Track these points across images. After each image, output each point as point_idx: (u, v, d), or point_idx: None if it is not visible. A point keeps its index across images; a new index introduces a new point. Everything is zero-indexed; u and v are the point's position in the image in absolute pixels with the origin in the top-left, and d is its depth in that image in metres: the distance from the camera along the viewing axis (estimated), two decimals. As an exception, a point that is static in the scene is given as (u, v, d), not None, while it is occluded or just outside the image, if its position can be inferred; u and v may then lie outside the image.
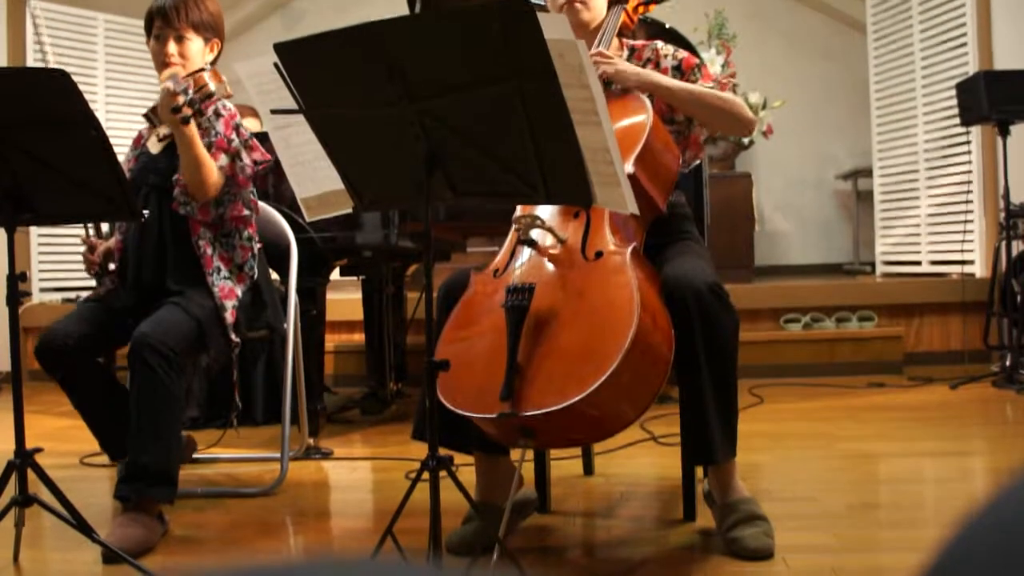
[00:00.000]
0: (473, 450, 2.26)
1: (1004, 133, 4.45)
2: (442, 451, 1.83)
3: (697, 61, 2.43)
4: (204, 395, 3.98)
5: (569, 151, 1.65)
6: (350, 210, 2.01)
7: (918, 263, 5.70)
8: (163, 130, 2.59)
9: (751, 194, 6.30)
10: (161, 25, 2.65)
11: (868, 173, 6.35)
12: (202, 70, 2.63)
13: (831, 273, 6.92)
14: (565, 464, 2.89)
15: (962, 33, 5.36)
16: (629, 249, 1.99)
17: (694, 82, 2.38)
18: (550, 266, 2.06)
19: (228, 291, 2.61)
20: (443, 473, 1.80)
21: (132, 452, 2.35)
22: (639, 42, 2.51)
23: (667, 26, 3.67)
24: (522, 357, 1.87)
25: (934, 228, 5.60)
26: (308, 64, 1.76)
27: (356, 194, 1.94)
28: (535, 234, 2.11)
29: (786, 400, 4.16)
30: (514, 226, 2.15)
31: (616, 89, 2.32)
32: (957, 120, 4.93)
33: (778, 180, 7.27)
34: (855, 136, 6.99)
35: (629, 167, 2.10)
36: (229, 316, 2.58)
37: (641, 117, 2.21)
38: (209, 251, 2.60)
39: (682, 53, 2.44)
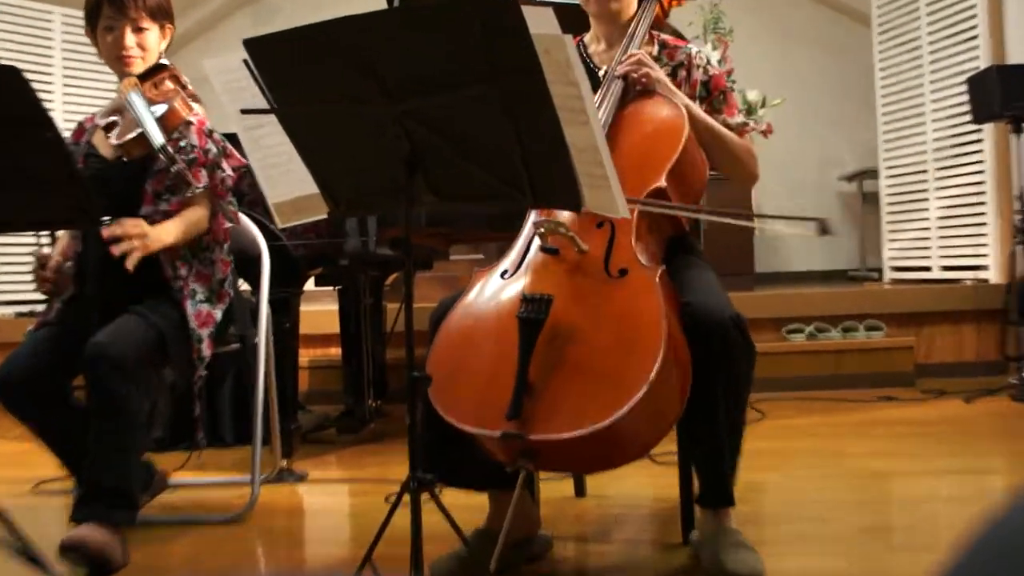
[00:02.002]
0: (485, 487, 2.25)
1: (1018, 130, 4.48)
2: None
3: (726, 85, 2.45)
4: (170, 415, 3.96)
5: (556, 151, 1.65)
6: (325, 215, 2.01)
7: (928, 269, 5.72)
8: (114, 138, 2.53)
9: (750, 197, 6.32)
10: (113, 14, 2.56)
11: (874, 174, 6.39)
12: (163, 68, 2.58)
13: (836, 280, 6.95)
14: (555, 484, 2.89)
15: (973, 25, 5.40)
16: (659, 271, 1.97)
17: (718, 109, 2.41)
18: (569, 278, 2.03)
19: (206, 316, 2.57)
20: (425, 496, 1.80)
21: (90, 471, 2.32)
22: (668, 37, 2.51)
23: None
24: (534, 374, 1.86)
25: (945, 232, 5.63)
26: (280, 61, 1.76)
27: (331, 198, 1.94)
28: (555, 241, 2.08)
29: (789, 415, 4.17)
30: (535, 229, 2.11)
31: (643, 90, 2.31)
32: (968, 117, 4.97)
33: (778, 182, 7.29)
34: (860, 135, 7.03)
35: (662, 180, 2.10)
36: (206, 348, 2.55)
37: (678, 124, 2.20)
38: (184, 272, 2.56)
39: (714, 69, 2.46)
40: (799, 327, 5.06)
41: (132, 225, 2.38)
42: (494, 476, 2.06)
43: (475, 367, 1.97)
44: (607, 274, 2.00)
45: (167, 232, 2.45)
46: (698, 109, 2.33)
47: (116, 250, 2.34)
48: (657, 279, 1.95)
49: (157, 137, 2.37)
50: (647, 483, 3.06)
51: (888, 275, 6.04)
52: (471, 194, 1.84)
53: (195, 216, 2.55)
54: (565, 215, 2.12)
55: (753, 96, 6.36)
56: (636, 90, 2.31)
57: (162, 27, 2.64)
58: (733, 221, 2.10)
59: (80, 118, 2.83)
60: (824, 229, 1.98)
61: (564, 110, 1.62)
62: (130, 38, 2.57)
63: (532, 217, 2.22)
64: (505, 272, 2.13)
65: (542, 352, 1.88)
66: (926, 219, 5.75)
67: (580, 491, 2.88)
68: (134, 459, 2.38)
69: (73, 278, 2.61)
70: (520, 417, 1.81)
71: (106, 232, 2.35)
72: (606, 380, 1.83)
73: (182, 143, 2.55)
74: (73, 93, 5.99)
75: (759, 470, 3.07)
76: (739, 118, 2.45)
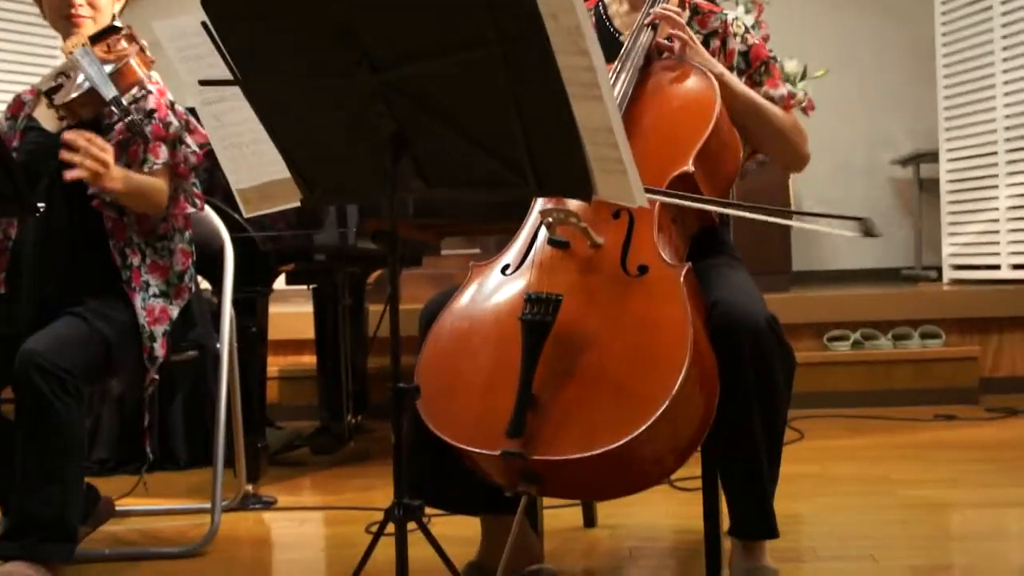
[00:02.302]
0: (478, 512, 2.26)
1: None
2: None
3: (769, 55, 2.45)
4: (116, 432, 3.97)
5: (564, 132, 1.66)
6: (298, 204, 2.01)
7: (996, 267, 5.71)
8: (57, 100, 2.55)
9: (787, 184, 6.31)
10: None
11: (933, 157, 6.37)
12: (116, 31, 2.60)
13: (887, 280, 6.94)
14: (561, 513, 2.90)
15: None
16: (684, 270, 1.97)
17: (759, 83, 2.41)
18: (580, 275, 2.03)
19: (159, 313, 2.58)
20: (412, 525, 1.81)
21: (18, 498, 2.32)
22: (703, 2, 2.51)
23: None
24: (538, 386, 1.86)
25: (1017, 224, 5.61)
26: (244, 24, 1.76)
27: (305, 184, 1.95)
28: (565, 233, 2.08)
29: (833, 435, 4.17)
30: (541, 219, 2.11)
31: (672, 58, 2.31)
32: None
33: (821, 166, 7.25)
34: (916, 112, 7.02)
35: (689, 163, 2.10)
36: (159, 348, 2.56)
37: (708, 99, 2.20)
38: (135, 261, 2.57)
39: (753, 38, 2.47)
40: (843, 334, 5.07)
41: (99, 146, 2.38)
42: (490, 500, 2.07)
43: (471, 376, 1.97)
44: (624, 272, 2.00)
45: (123, 180, 2.44)
46: (735, 79, 2.33)
47: (66, 157, 2.34)
48: (682, 278, 1.95)
49: (107, 90, 2.37)
50: (666, 512, 3.07)
51: (948, 274, 6.03)
52: (465, 180, 1.85)
53: (154, 184, 2.55)
54: (576, 204, 2.11)
55: (792, 67, 6.35)
56: (661, 58, 2.31)
57: None
58: (761, 217, 2.10)
59: (6, 86, 2.85)
60: (868, 231, 1.98)
61: (573, 84, 1.62)
62: None
63: (539, 205, 2.22)
64: (507, 267, 2.13)
65: (548, 360, 1.88)
66: (995, 209, 5.73)
67: (590, 521, 2.89)
68: (72, 484, 2.37)
69: (4, 267, 2.62)
70: (522, 434, 1.82)
71: (67, 135, 2.35)
72: (621, 394, 1.83)
73: (142, 94, 2.55)
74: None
75: (797, 498, 3.08)
76: (783, 89, 2.44)
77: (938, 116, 6.13)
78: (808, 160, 2.42)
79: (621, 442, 1.76)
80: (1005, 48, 5.65)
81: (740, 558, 2.21)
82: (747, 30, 2.48)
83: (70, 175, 2.35)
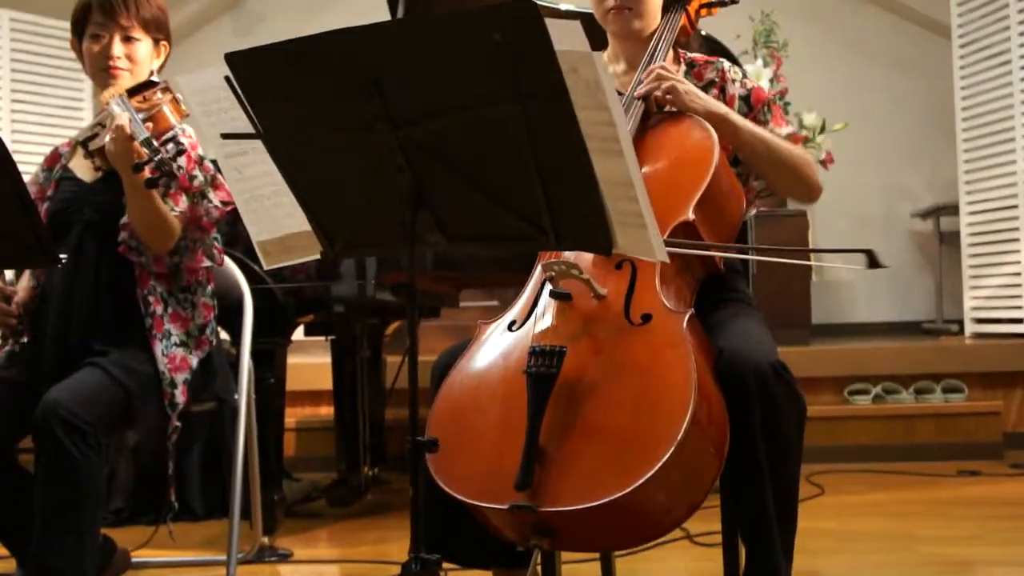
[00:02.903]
0: (491, 567, 2.26)
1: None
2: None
3: (769, 97, 2.48)
4: (132, 482, 3.97)
5: (584, 186, 1.67)
6: (318, 256, 2.03)
7: (1020, 321, 5.69)
8: (95, 145, 2.60)
9: (807, 236, 6.33)
10: (103, 21, 2.66)
11: (954, 210, 6.37)
12: (153, 85, 2.64)
13: (907, 333, 6.92)
14: (579, 569, 2.88)
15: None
16: (686, 316, 1.98)
17: (763, 123, 2.44)
18: (584, 327, 2.04)
19: (180, 361, 2.60)
20: (430, 580, 1.80)
21: (36, 553, 2.32)
22: (697, 55, 2.55)
23: (703, 33, 3.72)
24: (545, 438, 1.86)
25: (1038, 278, 5.61)
26: (267, 78, 1.79)
27: (325, 237, 1.96)
28: (567, 285, 2.09)
29: (853, 491, 4.15)
30: (543, 273, 2.13)
31: (671, 112, 2.34)
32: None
33: (840, 219, 7.28)
34: (936, 165, 7.03)
35: (689, 212, 2.11)
36: (180, 395, 2.57)
37: (706, 148, 2.22)
38: (159, 310, 2.60)
39: (752, 82, 2.51)
40: (864, 388, 5.05)
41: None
42: (503, 554, 2.07)
43: (479, 432, 1.98)
44: (628, 321, 2.02)
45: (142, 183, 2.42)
46: (739, 117, 2.35)
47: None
48: (685, 324, 1.96)
49: (139, 131, 2.41)
50: (686, 568, 3.05)
51: (970, 328, 6.01)
52: (484, 234, 1.85)
53: (169, 216, 2.56)
54: (578, 255, 2.14)
55: (811, 120, 6.38)
56: (659, 111, 2.34)
57: (156, 42, 2.73)
58: (766, 259, 2.11)
59: (29, 136, 2.90)
60: (873, 261, 1.99)
61: (593, 138, 1.63)
62: (118, 48, 2.66)
63: (542, 260, 2.24)
64: (513, 323, 2.15)
65: (555, 412, 1.89)
66: (1017, 262, 5.72)
67: (608, 575, 2.87)
68: (88, 536, 2.38)
69: (31, 313, 2.65)
70: (530, 487, 1.82)
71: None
72: (627, 443, 1.83)
73: (172, 135, 2.58)
74: (22, 109, 6.06)
75: (816, 555, 3.05)
76: (788, 128, 2.48)
77: (958, 168, 6.14)
78: (821, 191, 2.43)
79: (627, 490, 1.76)
80: (1025, 102, 5.67)
81: None
82: (745, 75, 2.52)
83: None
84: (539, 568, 2.22)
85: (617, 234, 1.72)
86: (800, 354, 5.14)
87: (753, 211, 2.57)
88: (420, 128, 1.72)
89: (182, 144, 2.49)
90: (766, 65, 6.27)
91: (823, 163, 6.41)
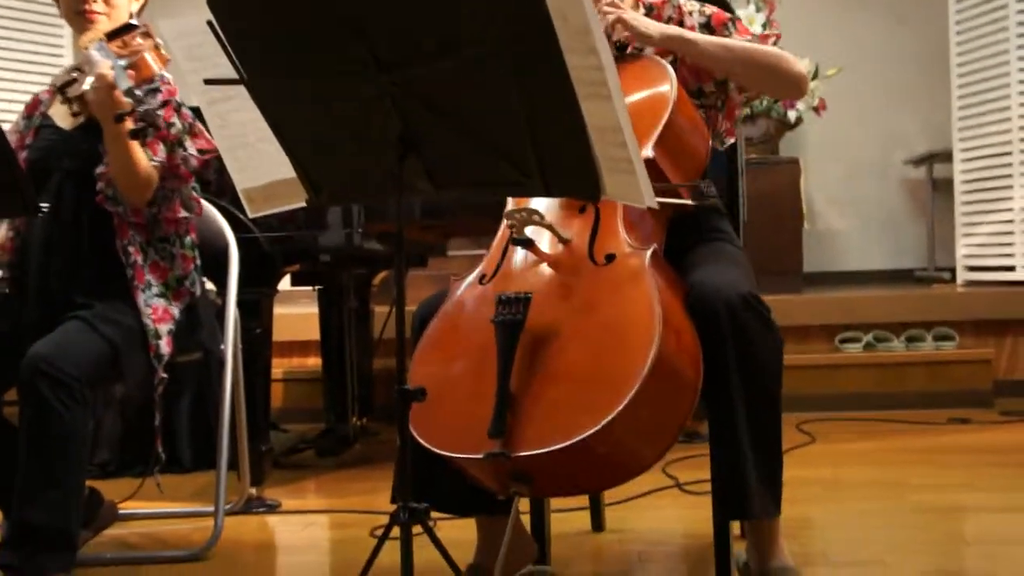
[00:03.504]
0: (472, 513, 2.28)
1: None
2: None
3: (729, 16, 2.48)
4: (118, 434, 3.98)
5: (572, 132, 1.67)
6: (303, 204, 2.02)
7: (1011, 268, 5.70)
8: (71, 92, 2.58)
9: (799, 184, 6.32)
10: None
11: (947, 157, 6.37)
12: (132, 28, 2.61)
13: (899, 281, 6.93)
14: (569, 517, 2.90)
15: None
16: (648, 252, 2.01)
17: (728, 38, 2.42)
18: (550, 272, 2.08)
19: (162, 312, 2.60)
20: (418, 529, 1.81)
21: (19, 507, 2.33)
22: None
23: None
24: (516, 384, 1.89)
25: (1032, 225, 5.62)
26: (251, 22, 1.77)
27: (311, 185, 1.95)
28: (531, 232, 2.13)
29: (844, 439, 4.17)
30: (506, 222, 2.17)
31: (630, 52, 2.35)
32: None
33: (833, 167, 7.28)
34: (930, 111, 7.01)
35: (648, 151, 2.13)
36: (164, 345, 2.57)
37: (662, 87, 2.24)
38: (139, 260, 2.60)
39: (710, 8, 2.50)
40: (855, 336, 5.06)
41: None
42: (484, 502, 2.10)
43: (454, 385, 2.01)
44: (592, 262, 2.05)
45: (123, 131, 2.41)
46: (695, 33, 2.37)
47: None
48: (647, 260, 1.98)
49: (121, 81, 2.39)
50: (676, 516, 3.07)
51: (962, 276, 6.03)
52: (472, 181, 1.86)
53: (147, 164, 2.54)
54: (540, 202, 2.17)
55: (804, 66, 6.35)
56: (619, 54, 2.35)
57: None
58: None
59: (9, 84, 2.87)
60: (700, 194, 2.08)
61: (582, 83, 1.63)
62: None
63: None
64: (483, 277, 2.18)
65: (524, 358, 1.92)
66: (1009, 209, 5.72)
67: (597, 525, 2.89)
68: (73, 492, 2.38)
69: (12, 259, 2.64)
70: (503, 434, 1.84)
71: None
72: (598, 379, 1.86)
73: (155, 86, 2.56)
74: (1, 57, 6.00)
75: (807, 503, 3.08)
76: (750, 37, 2.46)
77: (952, 115, 6.12)
78: (805, 79, 2.41)
79: (597, 427, 1.78)
80: (1021, 46, 5.64)
81: (754, 561, 2.22)
82: (703, 4, 2.52)
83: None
84: (520, 516, 2.25)
85: (605, 180, 1.72)
86: (792, 302, 5.15)
87: (731, 140, 2.56)
88: (407, 73, 1.72)
89: (159, 101, 2.48)
90: (759, 10, 6.24)
91: (816, 109, 6.40)
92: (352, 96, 1.78)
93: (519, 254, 2.15)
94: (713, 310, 2.02)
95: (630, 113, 2.15)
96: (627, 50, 2.39)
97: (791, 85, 2.40)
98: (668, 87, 2.23)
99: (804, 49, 6.45)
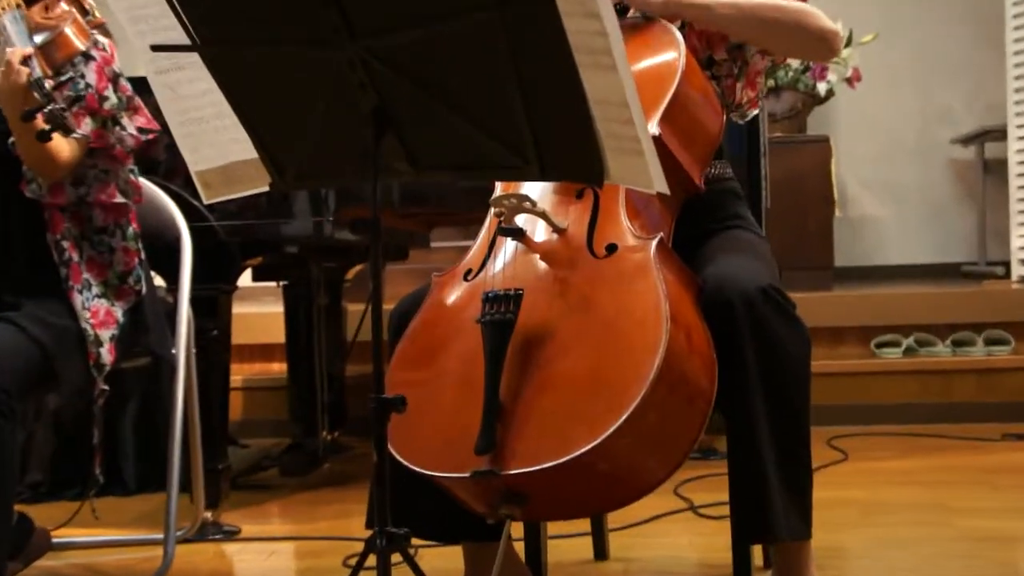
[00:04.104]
0: (458, 540, 2.29)
1: None
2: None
3: None
4: (52, 451, 3.97)
5: (571, 106, 1.67)
6: (266, 189, 2.02)
7: (1073, 262, 5.72)
8: None
9: (829, 166, 6.33)
10: None
11: (1001, 135, 6.37)
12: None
13: (945, 277, 6.95)
14: (568, 544, 2.91)
15: None
16: (654, 241, 2.00)
17: None
18: (544, 265, 2.08)
19: (104, 315, 2.59)
20: (397, 558, 1.81)
21: None
22: None
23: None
24: (505, 393, 1.89)
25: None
26: (205, -19, 1.77)
27: (275, 166, 1.95)
28: (522, 221, 2.12)
29: (881, 456, 4.18)
30: (493, 210, 2.17)
31: (633, 18, 2.34)
32: None
33: (868, 146, 7.28)
34: (981, 83, 7.02)
35: (653, 127, 2.12)
36: (106, 353, 2.57)
37: (669, 55, 2.23)
38: (75, 256, 2.59)
39: None
40: (895, 339, 5.07)
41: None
42: (471, 527, 2.10)
43: (436, 395, 2.01)
44: (591, 254, 2.04)
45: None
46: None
47: None
48: (653, 251, 1.98)
49: (33, 67, 2.37)
50: (688, 543, 3.08)
51: (1018, 271, 6.03)
52: (457, 162, 1.85)
53: (63, 147, 2.51)
54: (533, 186, 2.17)
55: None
56: (620, 19, 2.34)
57: None
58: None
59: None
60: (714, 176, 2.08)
61: (582, 51, 1.63)
62: None
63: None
64: (468, 272, 2.18)
65: (515, 363, 1.92)
66: (1071, 195, 5.74)
67: (600, 553, 2.90)
68: (2, 516, 2.37)
69: None
70: (492, 450, 1.84)
71: None
72: (596, 389, 1.86)
73: (68, 76, 2.53)
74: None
75: (839, 528, 3.08)
76: None
77: (1007, 87, 6.12)
78: (836, 36, 2.37)
79: (599, 440, 1.77)
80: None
81: None
82: None
83: None
84: (512, 543, 2.25)
85: (609, 161, 1.73)
86: (821, 301, 5.16)
87: (754, 111, 2.56)
88: (385, 39, 1.71)
89: (81, 90, 2.47)
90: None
91: (849, 81, 6.40)
92: (321, 65, 1.78)
93: (508, 246, 2.14)
94: (728, 304, 2.02)
95: (636, 84, 2.16)
96: (627, 14, 2.38)
97: (820, 43, 2.37)
98: (675, 55, 2.22)
99: (835, 13, 6.42)
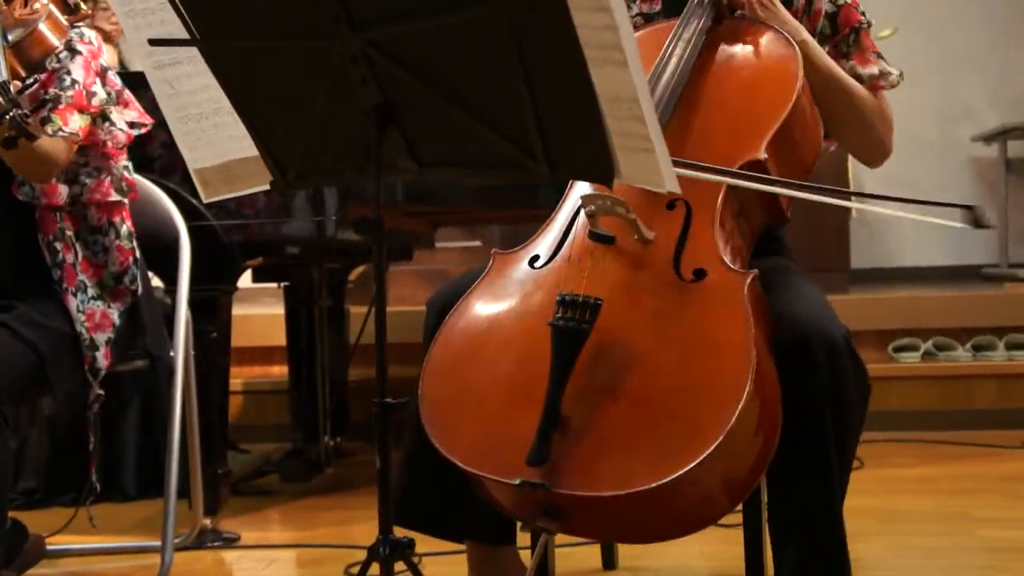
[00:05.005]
0: (464, 537, 2.28)
1: None
2: (403, 532, 1.84)
3: (858, 21, 2.44)
4: (46, 456, 3.98)
5: (580, 102, 1.66)
6: (267, 187, 2.02)
7: (1099, 265, 5.71)
8: None
9: (845, 165, 6.31)
10: None
11: (1023, 132, 6.36)
12: None
13: (965, 280, 6.93)
14: (576, 553, 2.90)
15: None
16: (749, 279, 1.95)
17: (845, 54, 2.41)
18: (624, 276, 2.02)
19: (100, 318, 2.59)
20: (401, 566, 1.81)
21: None
22: None
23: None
24: (568, 406, 1.85)
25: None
26: (205, -27, 1.78)
27: (276, 164, 1.95)
28: (609, 225, 2.05)
29: (900, 463, 4.18)
30: (582, 205, 2.07)
31: (740, 17, 2.30)
32: None
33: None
34: (1003, 79, 7.01)
35: (761, 151, 2.08)
36: (102, 357, 2.57)
37: (789, 69, 2.18)
38: (69, 258, 2.58)
39: None
40: (913, 343, 5.06)
41: None
42: (491, 527, 2.09)
43: (487, 388, 1.97)
44: (678, 275, 1.99)
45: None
46: (819, 49, 2.31)
47: None
48: (746, 288, 1.94)
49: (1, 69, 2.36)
50: (700, 553, 3.07)
51: (1039, 273, 6.04)
52: (463, 160, 1.86)
53: (50, 147, 2.49)
54: (625, 189, 2.04)
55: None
56: (731, 16, 2.31)
57: None
58: (855, 204, 2.12)
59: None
60: (978, 221, 1.97)
61: (591, 46, 1.63)
62: None
63: (577, 188, 2.20)
64: (536, 258, 2.11)
65: (582, 376, 1.87)
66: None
67: (609, 562, 2.89)
68: None
69: None
70: (546, 463, 1.81)
71: None
72: (667, 424, 1.83)
73: (57, 71, 2.52)
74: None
75: (856, 538, 3.04)
76: (874, 67, 2.43)
77: (1029, 84, 6.11)
78: (890, 154, 2.41)
79: (663, 480, 1.75)
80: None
81: None
82: None
83: None
84: (519, 552, 2.25)
85: (620, 160, 1.72)
86: (837, 303, 5.05)
87: (833, 147, 2.53)
88: (387, 31, 1.71)
89: (67, 86, 2.46)
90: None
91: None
92: (323, 59, 1.78)
93: (585, 245, 2.06)
94: (810, 355, 2.00)
95: (744, 96, 2.12)
96: (737, 14, 2.33)
97: (875, 153, 2.44)
98: (795, 71, 2.16)
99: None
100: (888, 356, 5.07)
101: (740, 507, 2.21)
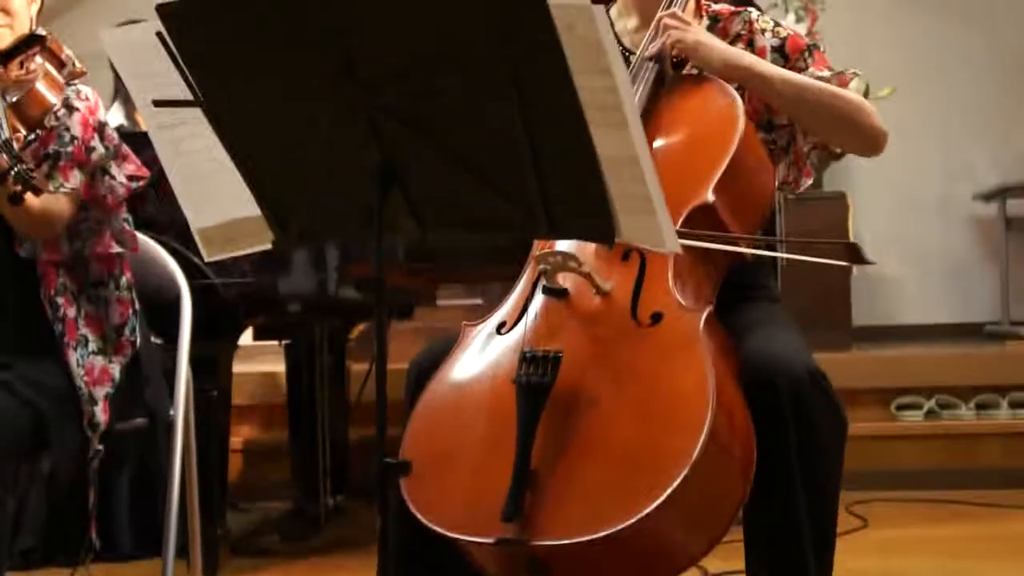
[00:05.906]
0: None
1: None
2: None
3: (807, 43, 2.47)
4: (44, 516, 3.96)
5: (582, 164, 1.68)
6: (268, 246, 2.03)
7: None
8: None
9: (847, 222, 6.34)
10: None
11: (1023, 191, 6.38)
12: (36, 41, 2.58)
13: (967, 337, 6.92)
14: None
15: None
16: (703, 315, 1.99)
17: (803, 69, 2.42)
18: (584, 329, 2.06)
19: (100, 373, 2.59)
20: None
21: None
22: (723, 7, 2.54)
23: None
24: (538, 459, 1.87)
25: None
26: (208, 34, 1.78)
27: (277, 223, 1.96)
28: (565, 280, 2.10)
29: (902, 523, 4.16)
30: (538, 266, 2.14)
31: (688, 71, 2.35)
32: None
33: (886, 202, 7.28)
34: (1004, 137, 7.03)
35: (708, 194, 2.12)
36: (100, 412, 2.56)
37: (728, 117, 2.23)
38: (71, 313, 2.59)
39: (786, 30, 2.48)
40: (916, 402, 5.05)
41: None
42: None
43: (462, 453, 2.00)
44: (635, 321, 2.03)
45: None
46: (768, 64, 2.35)
47: None
48: (702, 324, 1.97)
49: (2, 128, 2.38)
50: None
51: (1042, 331, 6.03)
52: (464, 220, 1.86)
53: (52, 204, 2.52)
54: (576, 245, 2.15)
55: (853, 85, 6.39)
56: (676, 73, 2.35)
57: None
58: (742, 250, 2.15)
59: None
60: (856, 256, 2.03)
61: (593, 108, 1.64)
62: None
63: (535, 249, 2.25)
64: (502, 325, 2.17)
65: (549, 428, 1.90)
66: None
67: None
68: None
69: None
70: (520, 517, 1.83)
71: None
72: (634, 462, 1.85)
73: (55, 129, 2.54)
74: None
75: (860, 599, 3.06)
76: (833, 70, 2.45)
77: (1029, 142, 6.14)
78: (885, 137, 2.39)
79: (635, 518, 1.77)
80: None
81: None
82: (776, 23, 2.50)
83: None
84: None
85: (620, 221, 1.73)
86: (839, 361, 5.14)
87: (808, 181, 2.55)
88: (390, 93, 1.73)
89: (66, 143, 2.48)
90: (799, 20, 6.30)
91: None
92: (325, 119, 1.79)
93: (546, 304, 2.12)
94: (774, 388, 2.01)
95: (688, 147, 2.17)
96: (684, 68, 2.38)
97: (867, 140, 2.40)
98: (735, 119, 2.21)
99: (851, 65, 6.49)
100: (891, 414, 5.06)
101: (743, 567, 2.21)
